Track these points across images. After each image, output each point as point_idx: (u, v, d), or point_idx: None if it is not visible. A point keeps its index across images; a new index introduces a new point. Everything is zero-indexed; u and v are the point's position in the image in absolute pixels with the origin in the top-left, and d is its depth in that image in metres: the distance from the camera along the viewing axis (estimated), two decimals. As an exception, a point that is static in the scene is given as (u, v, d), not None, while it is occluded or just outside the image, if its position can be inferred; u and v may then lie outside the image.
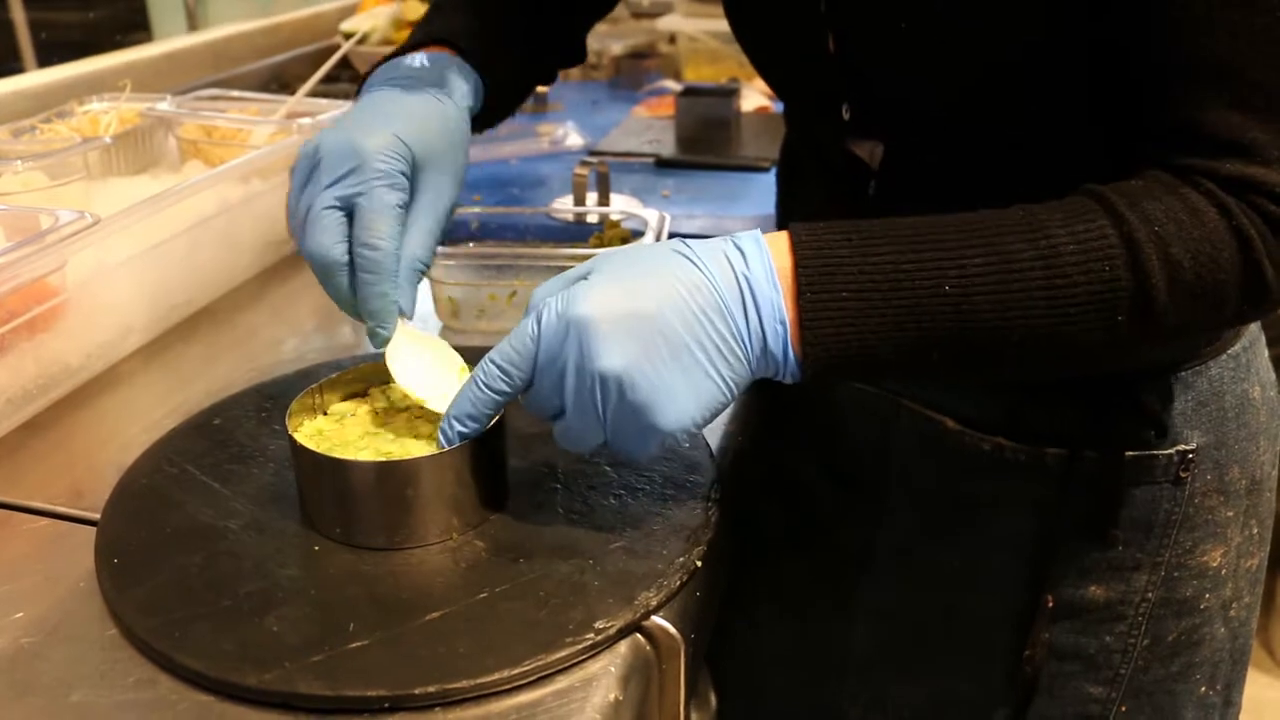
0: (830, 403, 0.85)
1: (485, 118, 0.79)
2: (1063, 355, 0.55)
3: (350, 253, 0.64)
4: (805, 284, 0.54)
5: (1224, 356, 0.72)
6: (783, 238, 0.56)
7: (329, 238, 0.63)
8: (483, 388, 0.58)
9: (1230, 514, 0.74)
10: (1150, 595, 0.74)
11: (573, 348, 0.54)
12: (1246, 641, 0.81)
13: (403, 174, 0.65)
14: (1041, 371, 0.62)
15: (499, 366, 0.57)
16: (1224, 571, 0.75)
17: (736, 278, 0.54)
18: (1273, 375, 0.78)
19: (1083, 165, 0.61)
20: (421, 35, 0.78)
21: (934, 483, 0.77)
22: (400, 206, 0.65)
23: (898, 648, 0.83)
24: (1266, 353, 0.77)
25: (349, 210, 0.64)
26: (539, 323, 0.55)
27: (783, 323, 0.54)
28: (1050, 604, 0.74)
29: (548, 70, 0.90)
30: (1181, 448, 0.71)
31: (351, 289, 0.64)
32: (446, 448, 0.59)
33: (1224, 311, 0.56)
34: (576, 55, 0.91)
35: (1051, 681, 0.76)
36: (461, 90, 0.74)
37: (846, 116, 0.71)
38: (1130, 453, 0.71)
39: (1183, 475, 0.71)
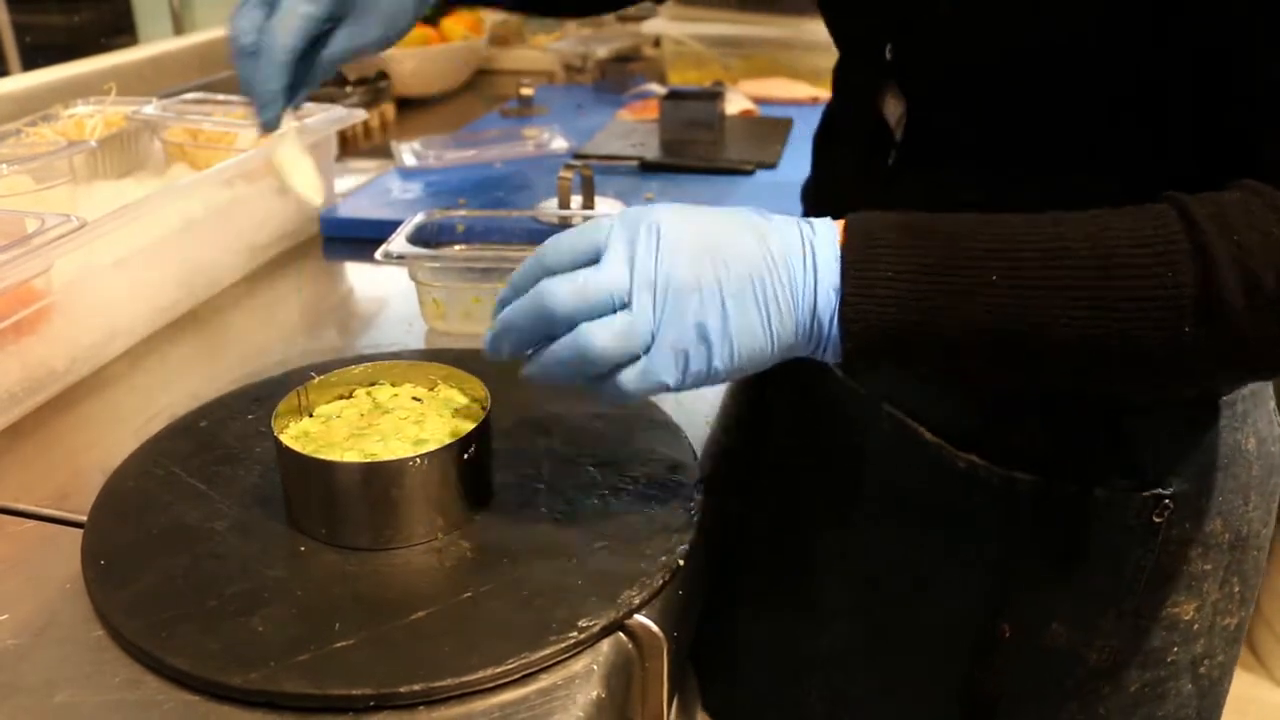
0: (813, 404, 0.85)
1: None
2: (1121, 362, 0.53)
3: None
4: (850, 261, 0.53)
5: (1220, 404, 0.69)
6: (839, 224, 0.56)
7: (244, 22, 0.71)
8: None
9: (1208, 567, 0.71)
10: (1114, 641, 0.72)
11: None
12: (1217, 701, 0.78)
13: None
14: (1101, 378, 0.57)
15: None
16: (1196, 626, 0.73)
17: (803, 241, 0.55)
18: (1276, 429, 0.73)
19: (1115, 161, 0.60)
20: None
21: (907, 492, 0.77)
22: (310, 15, 0.70)
23: (859, 652, 0.83)
24: (1272, 404, 0.73)
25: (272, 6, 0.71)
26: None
27: (836, 289, 0.53)
28: (1007, 634, 0.72)
29: None
30: (1158, 492, 0.68)
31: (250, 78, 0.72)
32: None
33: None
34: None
35: (1008, 716, 0.75)
36: None
37: (889, 57, 0.69)
38: (1100, 489, 0.68)
39: (1156, 520, 0.68)
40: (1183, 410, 0.68)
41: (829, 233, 0.55)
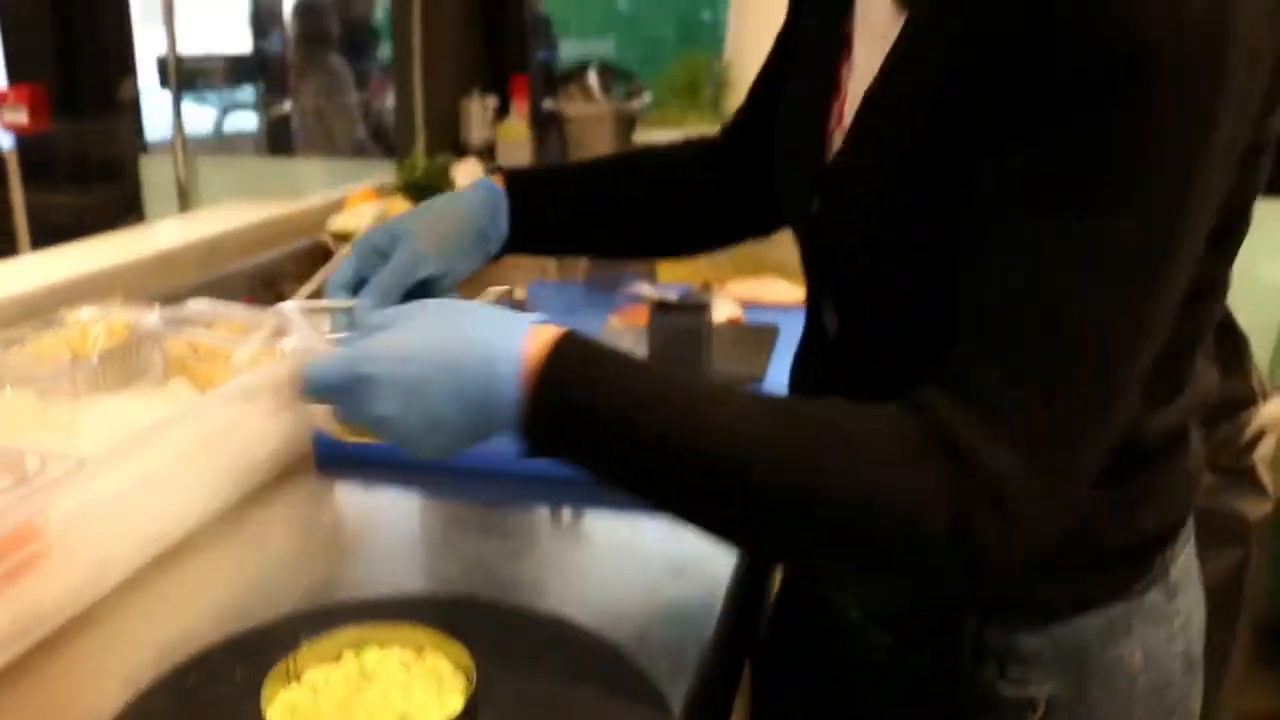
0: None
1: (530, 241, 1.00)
2: (720, 518, 0.63)
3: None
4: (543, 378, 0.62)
5: (1091, 613, 0.71)
6: (551, 339, 0.63)
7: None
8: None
9: None
10: None
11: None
12: None
13: (373, 246, 0.87)
14: (713, 522, 0.65)
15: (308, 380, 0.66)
16: None
17: (486, 374, 0.62)
18: (1178, 647, 0.74)
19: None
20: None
21: (836, 649, 0.84)
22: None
23: None
24: (1176, 622, 0.74)
25: None
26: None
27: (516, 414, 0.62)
28: None
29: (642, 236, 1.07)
30: (1031, 695, 0.71)
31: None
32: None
33: (885, 559, 0.60)
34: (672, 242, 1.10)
35: None
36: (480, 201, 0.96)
37: (814, 278, 0.79)
38: (969, 688, 0.72)
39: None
40: (1045, 615, 0.71)
41: (514, 369, 0.62)
